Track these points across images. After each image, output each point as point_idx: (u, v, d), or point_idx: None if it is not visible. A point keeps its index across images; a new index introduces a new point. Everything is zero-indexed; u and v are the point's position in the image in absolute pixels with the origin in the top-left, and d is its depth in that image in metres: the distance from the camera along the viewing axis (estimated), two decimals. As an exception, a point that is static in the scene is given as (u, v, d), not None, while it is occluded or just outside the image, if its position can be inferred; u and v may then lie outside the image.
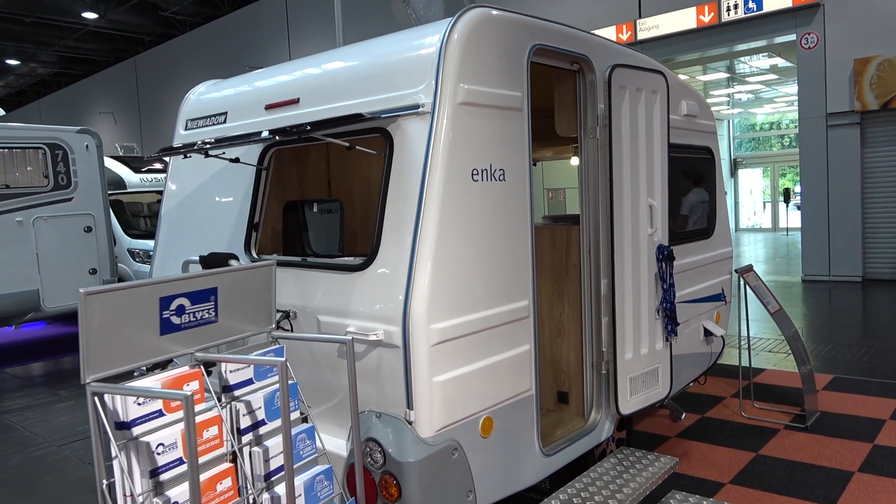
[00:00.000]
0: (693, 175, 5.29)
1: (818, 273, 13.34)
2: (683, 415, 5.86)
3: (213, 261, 3.50)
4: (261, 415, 2.41)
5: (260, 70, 4.27)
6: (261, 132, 2.97)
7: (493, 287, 3.24)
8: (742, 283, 5.85)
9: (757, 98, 23.85)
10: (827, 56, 12.88)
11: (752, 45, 14.43)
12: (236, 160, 3.83)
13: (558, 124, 4.21)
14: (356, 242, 4.81)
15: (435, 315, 2.93)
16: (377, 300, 3.06)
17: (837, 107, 12.84)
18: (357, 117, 3.09)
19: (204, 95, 4.56)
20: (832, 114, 12.92)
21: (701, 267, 5.26)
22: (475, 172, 3.14)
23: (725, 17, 13.80)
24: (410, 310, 2.91)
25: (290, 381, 2.61)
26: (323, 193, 4.57)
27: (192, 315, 2.24)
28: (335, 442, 3.28)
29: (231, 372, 2.36)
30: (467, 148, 3.10)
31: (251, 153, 3.97)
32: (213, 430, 2.18)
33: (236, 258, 3.58)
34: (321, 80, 3.66)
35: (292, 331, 3.40)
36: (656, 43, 14.78)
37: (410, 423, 2.94)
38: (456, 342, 3.04)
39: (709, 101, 23.51)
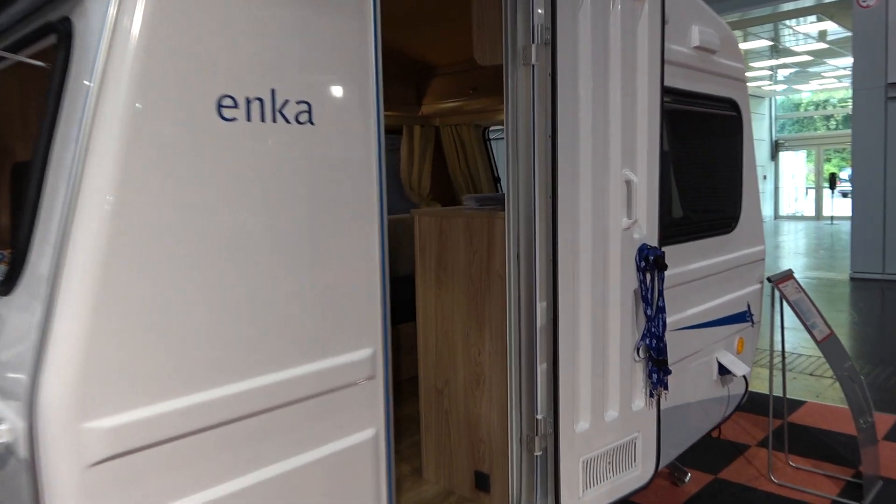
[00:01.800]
0: (707, 139, 3.61)
1: (869, 270, 11.47)
2: (688, 476, 4.24)
3: None
4: None
5: None
6: None
7: (275, 328, 1.67)
8: (777, 294, 4.18)
9: (802, 72, 21.66)
10: (889, 15, 10.91)
11: (800, 4, 12.51)
12: None
13: (477, 47, 2.60)
14: None
15: (97, 401, 1.38)
16: (6, 360, 1.52)
17: (900, 76, 10.90)
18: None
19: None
20: (893, 84, 10.96)
21: (716, 275, 3.60)
22: (228, 103, 1.56)
23: (769, -30, 11.90)
24: (39, 389, 1.35)
25: None
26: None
27: None
28: None
29: None
30: (202, 49, 1.52)
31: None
32: None
33: None
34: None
35: None
36: (687, 2, 12.91)
37: None
38: (161, 451, 1.48)
39: (748, 74, 21.41)
